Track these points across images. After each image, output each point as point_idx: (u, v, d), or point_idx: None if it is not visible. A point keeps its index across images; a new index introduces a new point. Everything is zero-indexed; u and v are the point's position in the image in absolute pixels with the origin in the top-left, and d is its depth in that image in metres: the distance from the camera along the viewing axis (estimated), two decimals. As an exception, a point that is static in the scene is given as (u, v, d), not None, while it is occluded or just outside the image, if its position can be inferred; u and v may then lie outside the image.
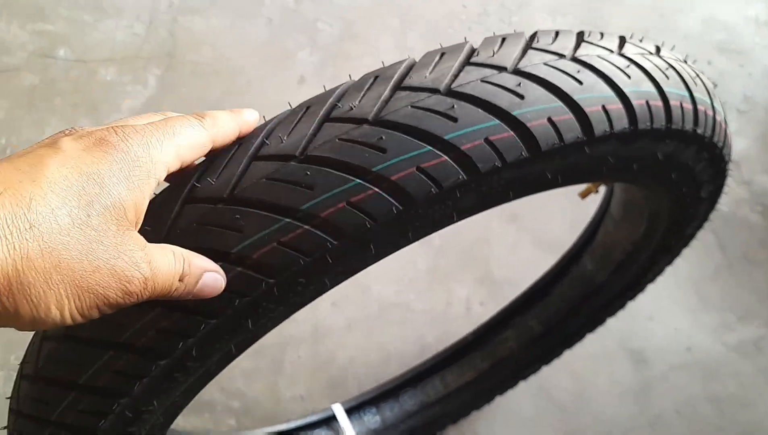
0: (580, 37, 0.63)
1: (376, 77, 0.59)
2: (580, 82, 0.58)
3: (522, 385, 1.46)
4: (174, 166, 0.48)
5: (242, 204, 0.51)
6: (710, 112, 0.69)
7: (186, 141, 0.49)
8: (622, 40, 0.66)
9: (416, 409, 1.39)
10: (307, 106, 0.58)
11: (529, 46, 0.61)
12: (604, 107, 0.59)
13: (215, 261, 0.49)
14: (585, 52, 0.61)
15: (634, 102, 0.60)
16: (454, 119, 0.54)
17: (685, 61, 0.71)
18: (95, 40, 2.03)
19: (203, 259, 0.49)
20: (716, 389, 1.63)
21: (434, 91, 0.55)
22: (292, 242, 0.51)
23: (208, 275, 0.49)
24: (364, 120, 0.54)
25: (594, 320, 1.21)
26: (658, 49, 0.68)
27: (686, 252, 1.01)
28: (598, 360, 1.64)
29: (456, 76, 0.57)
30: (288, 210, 0.50)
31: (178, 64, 2.00)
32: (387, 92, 0.57)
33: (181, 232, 0.50)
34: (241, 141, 0.56)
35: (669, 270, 1.07)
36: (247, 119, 0.56)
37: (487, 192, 0.60)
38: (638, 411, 1.60)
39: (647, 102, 0.62)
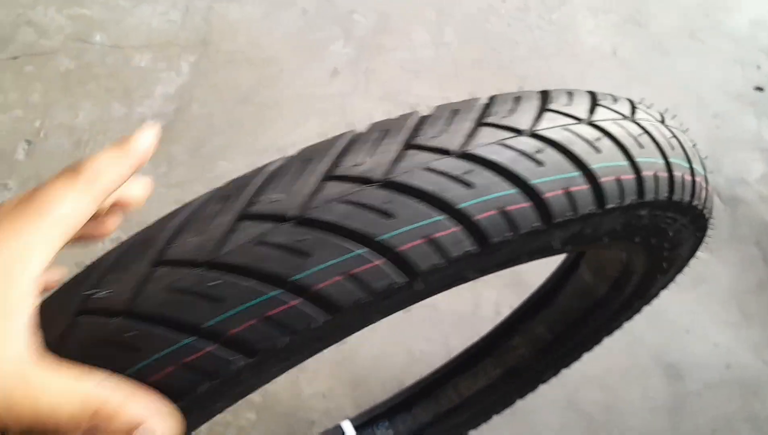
0: (594, 100, 0.62)
1: (385, 131, 0.56)
2: (598, 151, 0.56)
3: (550, 396, 1.42)
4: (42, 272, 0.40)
5: (142, 319, 0.44)
6: (688, 177, 0.68)
7: (58, 229, 0.40)
8: (632, 105, 0.64)
9: (431, 420, 1.35)
10: (227, 196, 0.52)
11: (544, 107, 0.59)
12: (618, 178, 0.58)
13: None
14: (601, 117, 0.60)
15: (644, 173, 0.61)
16: (470, 185, 0.51)
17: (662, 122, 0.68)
18: (131, 26, 2.04)
19: (158, 401, 0.41)
20: (756, 408, 1.56)
21: (446, 152, 0.53)
22: (197, 363, 0.45)
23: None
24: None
25: (605, 327, 1.16)
26: (662, 118, 0.66)
27: (728, 264, 0.96)
28: (630, 373, 1.59)
29: (469, 136, 0.55)
30: (194, 328, 0.44)
31: (212, 52, 1.99)
32: (395, 151, 0.53)
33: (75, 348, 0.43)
34: (145, 238, 0.49)
35: (709, 282, 1.02)
36: (139, 149, 0.46)
37: (487, 262, 0.57)
38: (671, 428, 1.54)
39: (655, 174, 0.62)
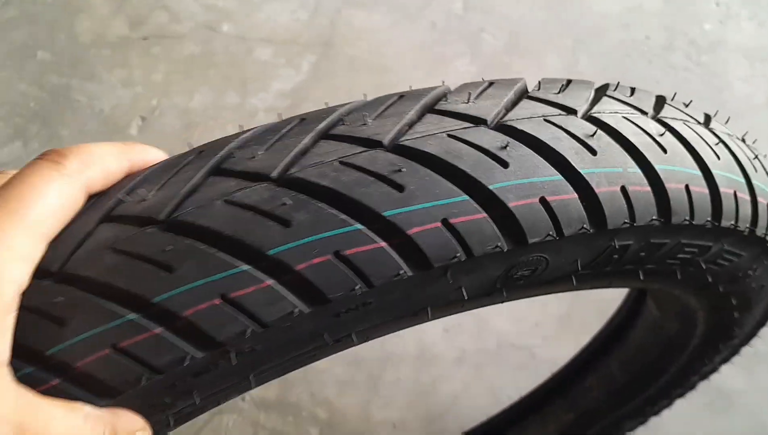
0: (662, 101, 0.56)
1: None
2: (665, 150, 0.49)
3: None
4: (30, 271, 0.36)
5: (72, 283, 0.38)
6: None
7: (43, 216, 0.35)
8: (707, 118, 0.57)
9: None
10: (199, 151, 0.47)
11: (603, 93, 0.52)
12: (687, 187, 0.50)
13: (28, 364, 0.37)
14: (669, 115, 0.54)
15: (722, 189, 0.52)
16: (505, 164, 0.44)
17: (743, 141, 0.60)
18: (259, 20, 2.05)
19: (134, 420, 0.39)
20: None
21: (480, 121, 0.47)
22: (135, 349, 0.38)
23: None
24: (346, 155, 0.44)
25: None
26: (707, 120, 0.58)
27: None
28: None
29: (508, 109, 0.48)
30: (138, 299, 0.38)
31: (334, 55, 1.97)
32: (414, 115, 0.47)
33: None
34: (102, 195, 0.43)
35: None
36: (142, 155, 0.44)
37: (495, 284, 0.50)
38: None
39: (735, 193, 0.53)
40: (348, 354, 1.46)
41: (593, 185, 0.46)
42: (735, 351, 0.91)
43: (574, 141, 0.47)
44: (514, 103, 0.49)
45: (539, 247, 0.47)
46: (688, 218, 0.50)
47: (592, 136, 0.48)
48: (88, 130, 1.84)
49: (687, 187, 0.49)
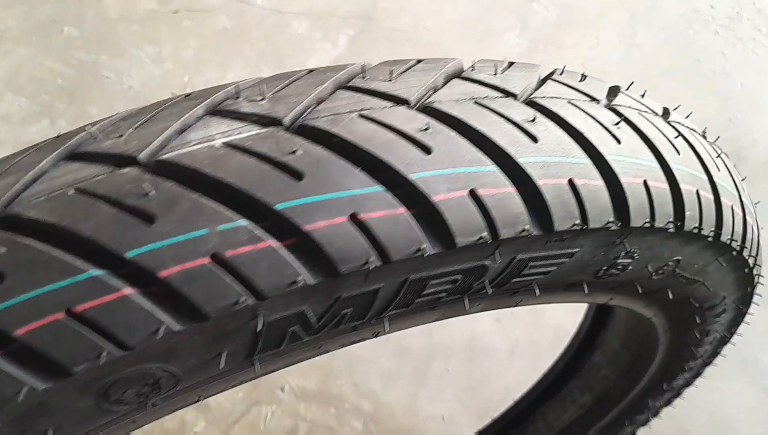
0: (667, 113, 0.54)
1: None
2: (678, 152, 0.47)
3: None
4: None
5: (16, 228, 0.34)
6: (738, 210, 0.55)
7: None
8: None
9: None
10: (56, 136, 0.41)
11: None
12: (698, 192, 0.47)
13: None
14: (675, 118, 0.52)
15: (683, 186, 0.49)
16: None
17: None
18: (294, -7, 2.00)
19: None
20: None
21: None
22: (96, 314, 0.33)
23: None
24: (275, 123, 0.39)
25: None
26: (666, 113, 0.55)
27: None
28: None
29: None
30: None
31: (374, 28, 1.90)
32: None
33: None
34: None
35: None
36: None
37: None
38: None
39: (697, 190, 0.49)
40: (393, 344, 1.40)
41: (534, 177, 0.40)
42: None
43: (512, 126, 0.42)
44: (443, 84, 0.44)
45: (468, 250, 0.41)
46: (698, 225, 0.46)
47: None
48: (117, 107, 1.79)
49: (698, 191, 0.46)
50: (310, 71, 0.45)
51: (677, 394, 0.95)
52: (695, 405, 1.10)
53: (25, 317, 0.32)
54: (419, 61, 0.47)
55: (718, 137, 0.58)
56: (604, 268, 0.50)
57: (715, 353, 0.80)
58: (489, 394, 1.39)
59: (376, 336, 0.49)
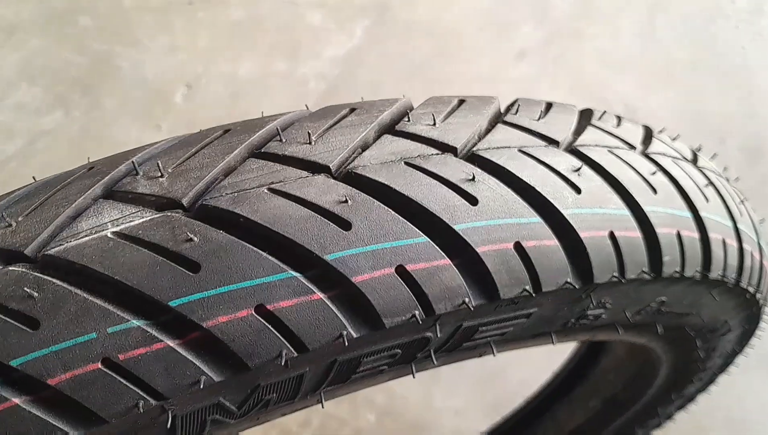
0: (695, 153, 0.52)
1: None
2: (707, 199, 0.46)
3: None
4: None
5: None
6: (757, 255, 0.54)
7: None
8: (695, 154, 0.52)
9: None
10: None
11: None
12: (724, 241, 0.46)
13: None
14: (704, 164, 0.50)
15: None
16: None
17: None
18: (309, -16, 2.00)
19: None
20: None
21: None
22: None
23: None
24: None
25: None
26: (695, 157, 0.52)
27: None
28: None
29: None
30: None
31: (389, 19, 1.90)
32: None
33: None
34: None
35: None
36: None
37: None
38: None
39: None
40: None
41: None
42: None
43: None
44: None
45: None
46: (722, 273, 0.45)
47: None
48: (131, 98, 1.81)
49: (724, 241, 0.44)
50: (225, 131, 0.41)
51: (690, 400, 0.93)
52: (713, 402, 1.10)
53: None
54: (352, 110, 0.43)
55: (738, 178, 0.56)
56: (573, 320, 0.48)
57: (728, 364, 0.77)
58: (503, 387, 1.39)
59: (319, 403, 0.47)
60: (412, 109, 0.44)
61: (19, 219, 0.35)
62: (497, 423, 1.24)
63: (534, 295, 0.39)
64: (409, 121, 0.42)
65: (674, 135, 0.53)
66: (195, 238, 0.34)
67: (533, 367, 1.40)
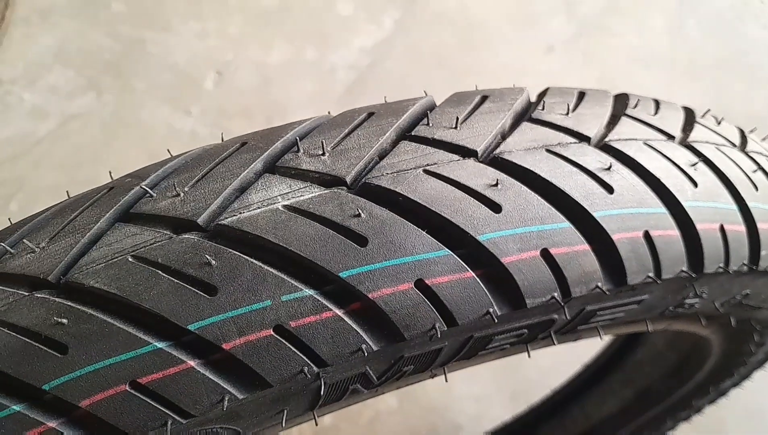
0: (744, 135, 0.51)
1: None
2: (756, 187, 0.45)
3: None
4: None
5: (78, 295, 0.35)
6: None
7: None
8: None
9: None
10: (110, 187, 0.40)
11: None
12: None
13: None
14: (754, 148, 0.49)
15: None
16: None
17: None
18: (339, -27, 2.06)
19: None
20: None
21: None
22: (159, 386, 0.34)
23: None
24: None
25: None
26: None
27: None
28: None
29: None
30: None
31: (419, 11, 1.96)
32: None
33: None
34: None
35: None
36: None
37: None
38: None
39: None
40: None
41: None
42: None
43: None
44: (512, 128, 0.43)
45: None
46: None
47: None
48: (161, 82, 1.88)
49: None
50: (370, 114, 0.43)
51: (723, 394, 0.96)
52: (732, 393, 1.15)
53: (89, 389, 0.33)
54: (484, 98, 0.45)
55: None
56: (671, 307, 0.50)
57: (766, 360, 0.80)
58: (523, 376, 1.45)
59: (432, 378, 0.50)
60: (529, 99, 0.47)
61: (186, 189, 0.38)
62: (523, 412, 1.29)
63: (658, 282, 0.41)
64: (543, 109, 0.45)
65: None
66: (362, 214, 0.36)
67: (553, 357, 1.45)
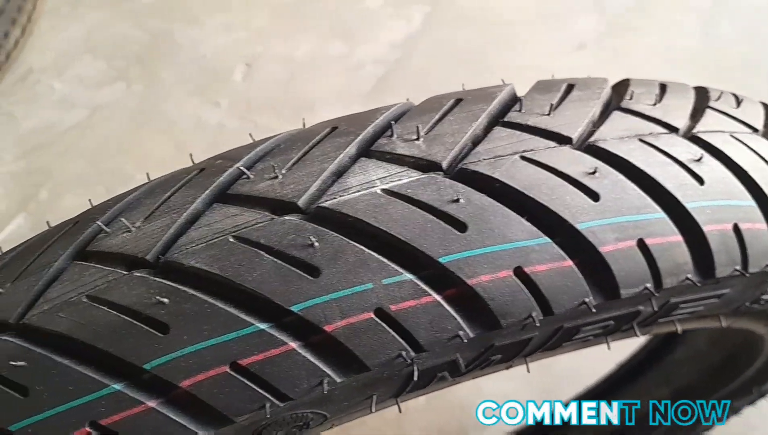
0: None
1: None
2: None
3: None
4: None
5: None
6: None
7: None
8: None
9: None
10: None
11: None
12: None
13: None
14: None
15: None
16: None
17: None
18: (367, -33, 2.07)
19: None
20: None
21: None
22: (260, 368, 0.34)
23: None
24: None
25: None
26: None
27: None
28: None
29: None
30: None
31: (447, 6, 1.97)
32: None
33: None
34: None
35: None
36: None
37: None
38: None
39: None
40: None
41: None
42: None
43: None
44: (602, 117, 0.43)
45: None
46: None
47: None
48: (189, 74, 1.89)
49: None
50: (458, 101, 0.44)
51: (763, 396, 0.96)
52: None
53: (190, 369, 0.33)
54: (571, 87, 0.45)
55: None
56: (747, 303, 0.50)
57: None
58: (552, 374, 1.45)
59: (508, 368, 0.51)
60: (610, 89, 0.47)
61: (284, 171, 0.38)
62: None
63: (746, 275, 0.42)
64: (631, 99, 0.45)
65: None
66: (461, 199, 0.36)
67: (582, 356, 1.46)
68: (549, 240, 0.37)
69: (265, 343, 0.34)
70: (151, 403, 0.34)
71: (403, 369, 0.39)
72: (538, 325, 0.38)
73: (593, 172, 0.38)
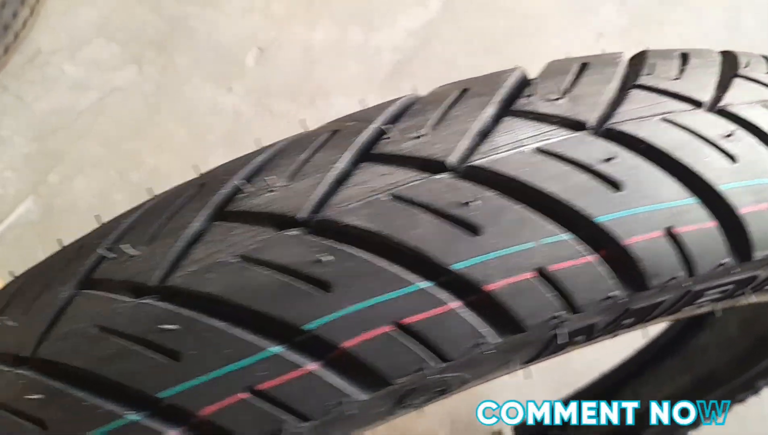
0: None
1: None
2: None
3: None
4: None
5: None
6: None
7: None
8: None
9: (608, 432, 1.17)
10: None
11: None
12: None
13: None
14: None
15: None
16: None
17: None
18: (386, -47, 2.05)
19: None
20: None
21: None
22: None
23: None
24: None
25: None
26: None
27: None
28: None
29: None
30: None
31: (465, -6, 1.95)
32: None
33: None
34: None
35: None
36: None
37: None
38: None
39: None
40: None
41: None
42: None
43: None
44: (726, 84, 0.42)
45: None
46: None
47: (729, 136, 0.40)
48: (205, 59, 1.88)
49: None
50: (584, 65, 0.43)
51: None
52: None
53: (353, 329, 0.32)
54: (685, 56, 0.45)
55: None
56: None
57: None
58: (568, 368, 1.44)
59: (614, 337, 0.50)
60: (626, 63, 0.46)
61: (426, 131, 0.38)
62: (569, 395, 1.29)
63: None
64: (650, 74, 0.43)
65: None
66: (616, 158, 0.36)
67: (599, 350, 1.44)
68: (695, 201, 0.37)
69: (427, 303, 0.33)
70: (311, 367, 0.32)
71: (550, 331, 0.38)
72: (683, 286, 0.38)
73: (730, 136, 0.39)
